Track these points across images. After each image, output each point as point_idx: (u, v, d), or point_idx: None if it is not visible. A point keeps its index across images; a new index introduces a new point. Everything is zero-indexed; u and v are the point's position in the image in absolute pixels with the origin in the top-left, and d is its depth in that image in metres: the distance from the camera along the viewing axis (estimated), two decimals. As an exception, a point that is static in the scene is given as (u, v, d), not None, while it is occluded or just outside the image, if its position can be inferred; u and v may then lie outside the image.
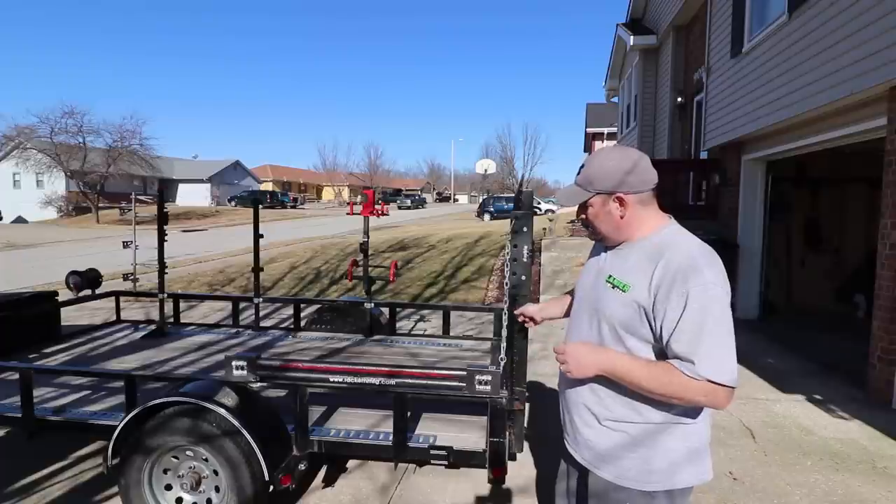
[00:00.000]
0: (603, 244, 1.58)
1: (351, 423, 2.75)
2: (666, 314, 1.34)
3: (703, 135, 8.58)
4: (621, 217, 1.47)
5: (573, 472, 1.71)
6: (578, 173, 1.54)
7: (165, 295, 4.53)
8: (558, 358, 1.47)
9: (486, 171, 43.89)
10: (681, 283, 1.32)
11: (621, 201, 1.46)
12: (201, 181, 45.05)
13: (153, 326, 4.56)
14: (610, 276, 1.48)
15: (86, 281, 4.59)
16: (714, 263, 1.36)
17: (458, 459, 2.50)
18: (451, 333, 4.48)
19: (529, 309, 1.98)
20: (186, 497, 2.55)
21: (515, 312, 2.04)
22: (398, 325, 4.78)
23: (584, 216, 1.55)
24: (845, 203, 7.92)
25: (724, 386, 1.29)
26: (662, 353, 1.39)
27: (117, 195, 32.34)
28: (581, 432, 1.57)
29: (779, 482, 3.17)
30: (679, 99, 10.98)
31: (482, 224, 22.08)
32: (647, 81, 12.77)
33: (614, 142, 20.14)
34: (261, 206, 5.14)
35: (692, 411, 1.44)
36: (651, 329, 1.39)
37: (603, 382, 1.48)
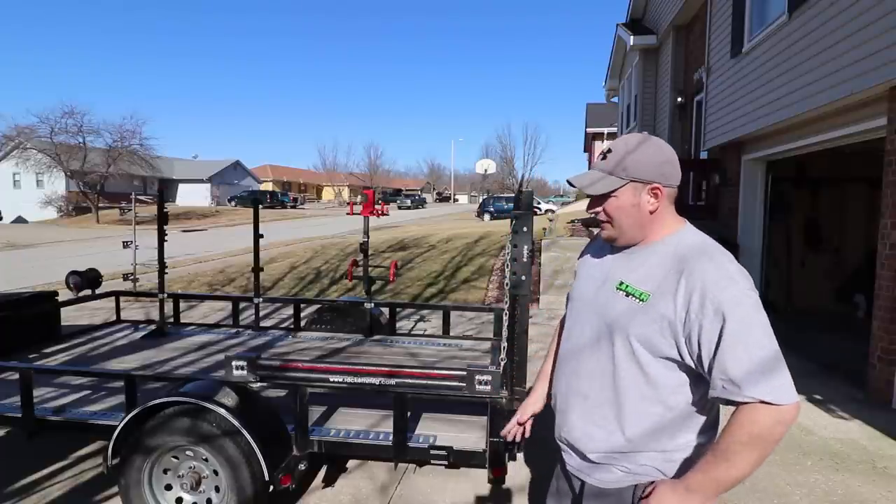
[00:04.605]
0: (612, 244, 1.38)
1: (351, 423, 2.75)
2: (703, 330, 1.16)
3: (703, 135, 8.58)
4: (651, 212, 1.29)
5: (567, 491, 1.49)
6: (604, 158, 1.33)
7: (165, 295, 4.53)
8: None
9: (486, 171, 43.90)
10: (718, 296, 1.15)
11: (657, 193, 1.29)
12: (201, 181, 45.03)
13: (153, 326, 4.55)
14: (622, 283, 1.30)
15: (86, 281, 4.59)
16: (743, 270, 1.22)
17: (458, 459, 2.50)
18: (451, 333, 4.48)
19: (522, 419, 1.68)
20: (186, 497, 2.55)
21: (509, 437, 1.71)
22: (398, 325, 4.78)
23: (600, 209, 1.34)
24: (845, 203, 7.91)
25: (787, 405, 1.12)
26: (692, 372, 1.24)
27: (117, 195, 32.33)
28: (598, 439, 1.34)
29: (779, 482, 3.17)
30: (679, 99, 10.98)
31: (482, 224, 22.07)
32: (647, 81, 12.77)
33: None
34: (261, 206, 5.14)
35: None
36: (677, 345, 1.21)
37: (628, 395, 1.29)
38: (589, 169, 1.35)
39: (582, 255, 1.56)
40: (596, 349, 1.33)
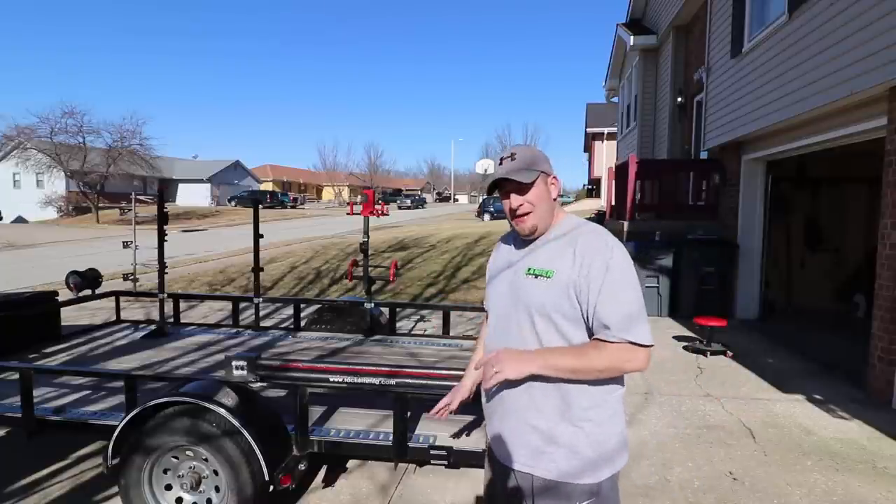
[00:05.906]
0: (530, 236, 1.56)
1: (351, 423, 2.76)
2: (590, 287, 1.41)
3: (703, 135, 8.57)
4: (555, 199, 1.56)
5: (511, 489, 1.55)
6: (513, 159, 1.51)
7: (165, 295, 4.53)
8: (487, 369, 1.42)
9: (486, 171, 43.82)
10: (600, 261, 1.42)
11: (554, 183, 1.56)
12: (201, 181, 45.02)
13: (153, 326, 4.56)
14: (529, 269, 1.51)
15: (86, 281, 4.59)
16: (620, 243, 1.48)
17: (458, 459, 2.51)
18: (451, 333, 4.49)
19: (453, 407, 1.81)
20: (186, 497, 2.55)
21: (440, 410, 1.81)
22: (398, 325, 4.79)
23: (523, 200, 1.51)
24: (845, 203, 7.92)
25: (644, 346, 1.39)
26: (591, 332, 1.46)
27: (117, 195, 32.32)
28: (534, 438, 1.49)
29: (779, 482, 3.17)
30: (679, 99, 10.98)
31: (482, 224, 22.08)
32: (647, 81, 12.77)
33: (614, 142, 20.13)
34: (261, 206, 5.14)
35: (620, 390, 1.52)
36: (579, 305, 1.44)
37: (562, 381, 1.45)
38: (528, 170, 1.51)
39: (490, 265, 1.73)
40: (522, 334, 1.51)
